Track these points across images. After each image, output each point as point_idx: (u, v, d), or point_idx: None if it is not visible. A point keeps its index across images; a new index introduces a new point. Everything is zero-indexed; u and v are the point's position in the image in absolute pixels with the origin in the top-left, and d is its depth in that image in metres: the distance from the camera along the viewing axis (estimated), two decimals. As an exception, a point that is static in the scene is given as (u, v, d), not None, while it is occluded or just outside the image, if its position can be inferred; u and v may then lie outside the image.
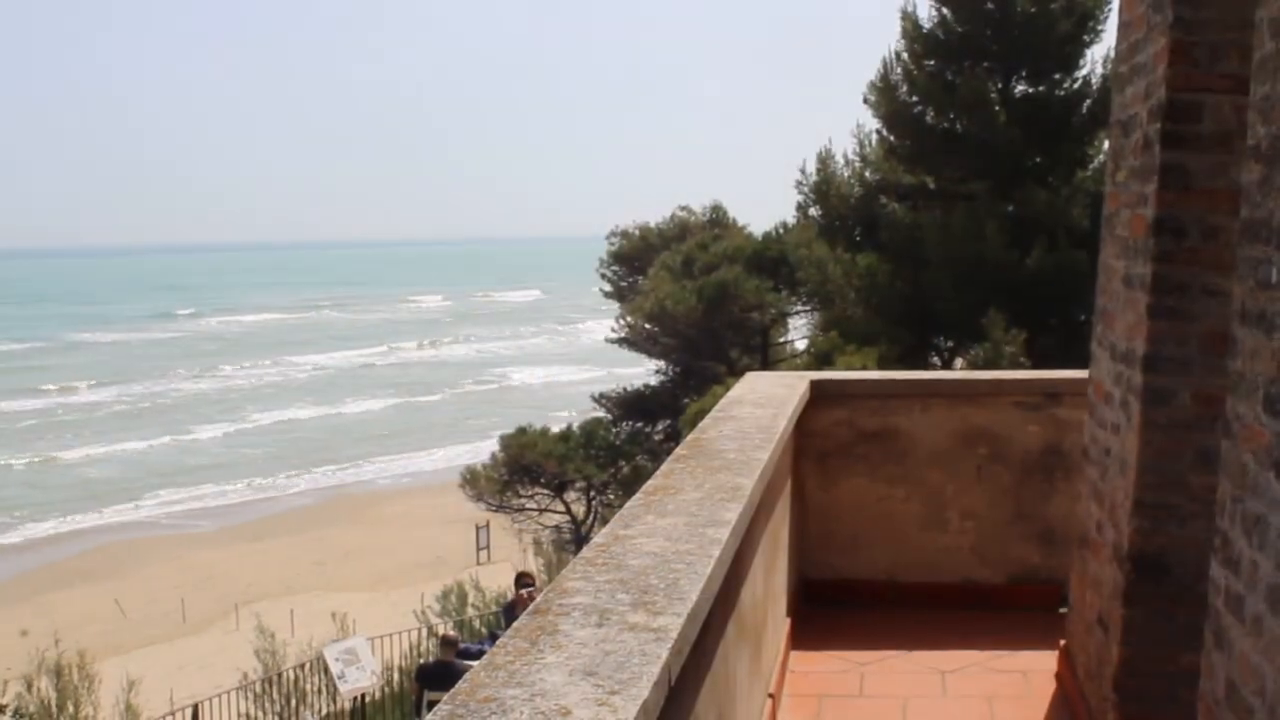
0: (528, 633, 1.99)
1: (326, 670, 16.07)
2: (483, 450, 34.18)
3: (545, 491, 30.05)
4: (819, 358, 21.91)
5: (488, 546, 34.08)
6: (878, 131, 21.70)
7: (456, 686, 1.76)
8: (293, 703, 17.84)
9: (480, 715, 1.64)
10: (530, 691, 1.72)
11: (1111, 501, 3.87)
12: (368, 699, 16.25)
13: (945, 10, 20.72)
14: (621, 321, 32.26)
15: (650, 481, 3.25)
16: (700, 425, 4.28)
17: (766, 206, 34.93)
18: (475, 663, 1.90)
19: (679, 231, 34.16)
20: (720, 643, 2.87)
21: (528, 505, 30.17)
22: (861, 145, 22.02)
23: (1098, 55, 20.92)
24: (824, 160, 22.31)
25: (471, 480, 29.91)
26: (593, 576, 2.32)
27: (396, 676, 18.15)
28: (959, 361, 20.90)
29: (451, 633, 14.99)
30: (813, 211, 22.93)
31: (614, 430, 31.06)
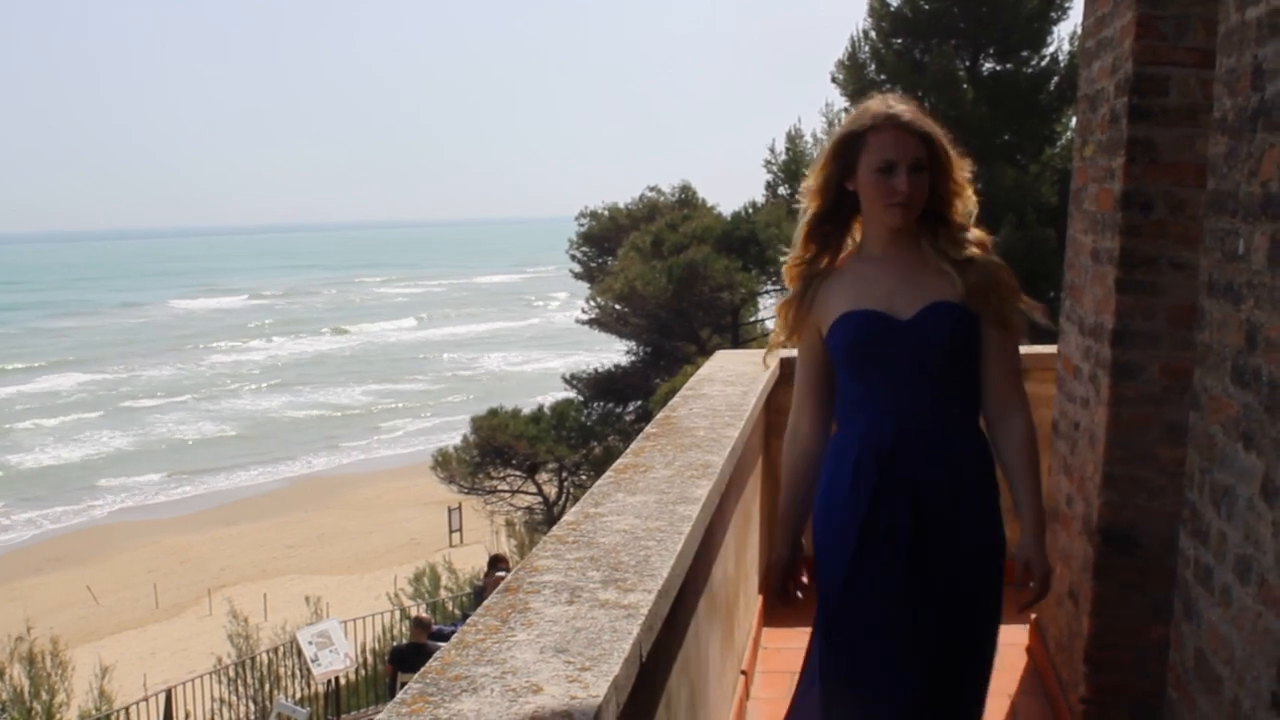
0: (498, 611, 1.98)
1: (300, 653, 16.03)
2: (454, 433, 34.13)
3: (517, 473, 29.99)
4: (789, 336, 21.88)
5: (460, 529, 34.06)
6: (846, 110, 21.71)
7: (427, 665, 1.75)
8: (266, 686, 17.78)
9: (451, 693, 1.63)
10: (501, 669, 1.72)
11: (1081, 475, 3.89)
12: (341, 681, 16.24)
13: (913, -12, 20.77)
14: (591, 302, 32.18)
15: (620, 460, 3.23)
16: (670, 403, 4.26)
17: (735, 187, 34.89)
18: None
19: (648, 212, 34.03)
20: (692, 620, 2.86)
21: (500, 487, 30.09)
22: (830, 124, 22.03)
23: (1065, 32, 21.11)
24: (793, 139, 22.33)
25: (443, 463, 29.84)
26: (563, 554, 2.31)
27: (370, 659, 18.13)
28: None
29: (424, 614, 15.02)
30: (782, 190, 22.96)
31: (585, 411, 31.01)
